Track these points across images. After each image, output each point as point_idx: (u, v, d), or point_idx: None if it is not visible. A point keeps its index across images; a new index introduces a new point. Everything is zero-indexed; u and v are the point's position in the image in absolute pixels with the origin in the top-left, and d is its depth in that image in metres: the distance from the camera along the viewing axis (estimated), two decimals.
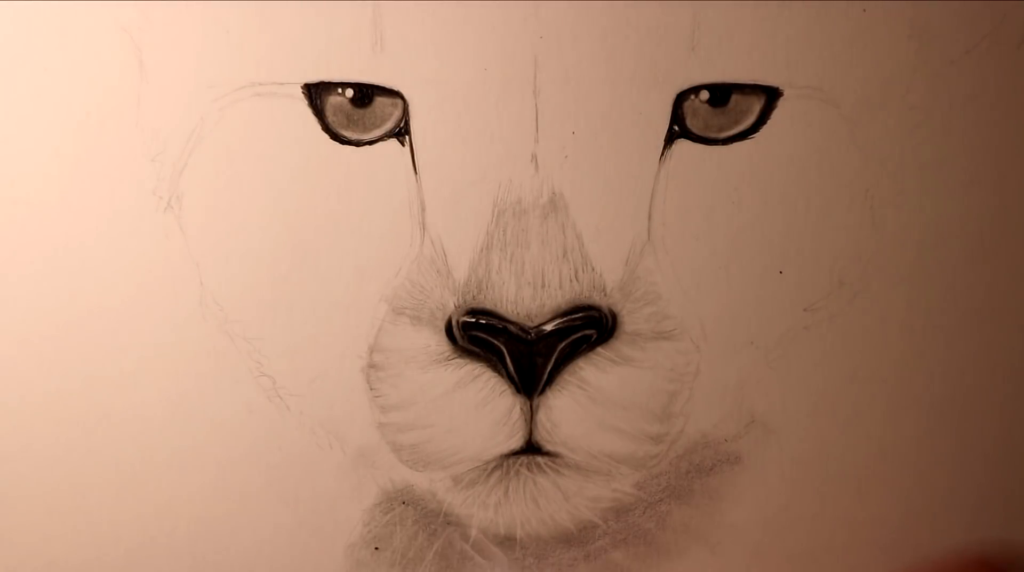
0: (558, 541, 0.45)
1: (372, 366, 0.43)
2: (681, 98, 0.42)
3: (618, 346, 0.43)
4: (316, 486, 0.45)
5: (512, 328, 0.42)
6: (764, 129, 0.43)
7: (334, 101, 0.42)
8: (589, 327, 0.42)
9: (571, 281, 0.42)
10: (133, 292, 0.43)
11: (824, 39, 0.42)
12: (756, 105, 0.42)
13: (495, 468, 0.44)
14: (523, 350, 0.42)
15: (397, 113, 0.42)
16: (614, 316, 0.42)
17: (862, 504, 0.46)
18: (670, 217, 0.43)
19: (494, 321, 0.42)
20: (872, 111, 0.43)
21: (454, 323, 0.42)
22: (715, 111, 0.42)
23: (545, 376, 0.42)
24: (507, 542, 0.45)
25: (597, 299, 0.42)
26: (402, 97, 0.42)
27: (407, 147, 0.42)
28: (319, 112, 0.42)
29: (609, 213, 0.42)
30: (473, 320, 0.42)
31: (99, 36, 0.41)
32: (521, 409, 0.43)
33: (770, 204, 0.43)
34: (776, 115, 0.42)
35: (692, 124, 0.42)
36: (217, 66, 0.42)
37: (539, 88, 0.41)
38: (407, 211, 0.43)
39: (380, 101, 0.42)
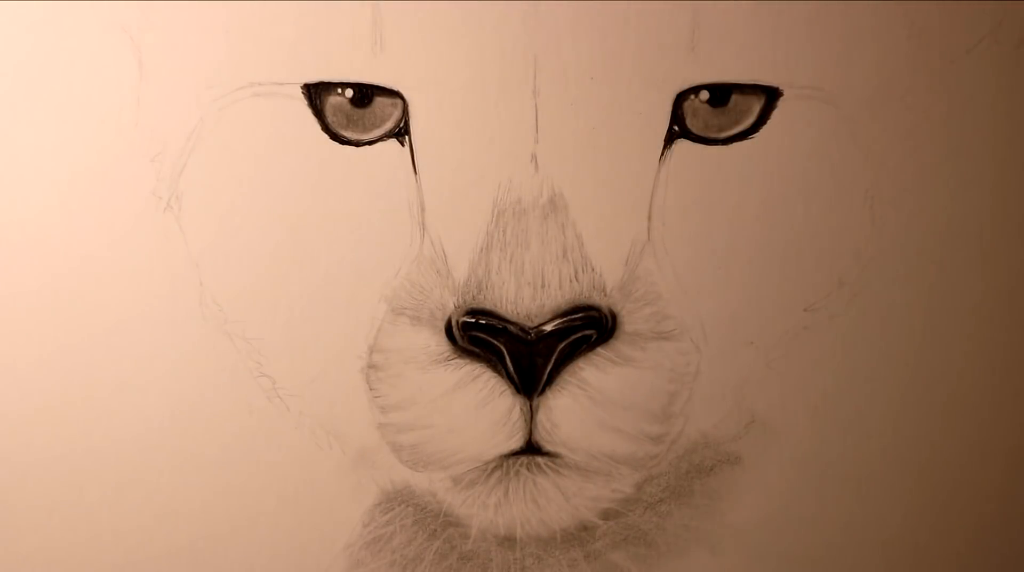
0: (558, 541, 0.45)
1: (372, 366, 0.43)
2: (681, 98, 0.42)
3: (618, 346, 0.43)
4: (316, 486, 0.45)
5: (512, 328, 0.42)
6: (764, 129, 0.43)
7: (334, 101, 0.42)
8: (589, 327, 0.42)
9: (571, 281, 0.42)
10: (133, 293, 0.43)
11: (824, 39, 0.42)
12: (756, 105, 0.42)
13: (495, 468, 0.44)
14: (523, 350, 0.42)
15: (397, 113, 0.42)
16: (614, 316, 0.42)
17: (862, 504, 0.46)
18: (670, 217, 0.43)
19: (494, 321, 0.42)
20: (872, 111, 0.43)
21: (454, 323, 0.42)
22: (715, 111, 0.42)
23: (545, 376, 0.42)
24: (507, 542, 0.45)
25: (597, 299, 0.42)
26: (402, 97, 0.42)
27: (407, 147, 0.42)
28: (319, 112, 0.42)
29: (609, 213, 0.42)
30: (473, 320, 0.42)
31: (99, 36, 0.41)
32: (521, 409, 0.43)
33: (770, 204, 0.43)
34: (776, 115, 0.42)
35: (692, 124, 0.42)
36: (216, 66, 0.42)
37: (539, 88, 0.41)
38: (407, 211, 0.43)
39: (380, 101, 0.42)
